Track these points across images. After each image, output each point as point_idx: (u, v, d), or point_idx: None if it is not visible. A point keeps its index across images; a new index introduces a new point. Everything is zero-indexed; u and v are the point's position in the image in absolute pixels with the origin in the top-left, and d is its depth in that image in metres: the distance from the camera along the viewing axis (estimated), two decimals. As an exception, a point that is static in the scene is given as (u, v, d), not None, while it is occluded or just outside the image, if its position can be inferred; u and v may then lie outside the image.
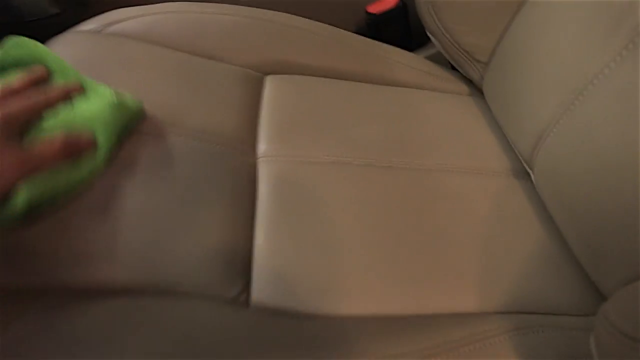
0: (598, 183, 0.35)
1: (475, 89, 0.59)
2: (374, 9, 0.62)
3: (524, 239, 0.40)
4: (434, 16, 0.54)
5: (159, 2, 0.56)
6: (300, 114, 0.49)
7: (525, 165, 0.47)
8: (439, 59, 0.62)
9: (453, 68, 0.61)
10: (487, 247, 0.39)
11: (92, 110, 0.30)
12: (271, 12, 0.58)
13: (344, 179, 0.42)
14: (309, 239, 0.36)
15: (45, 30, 0.57)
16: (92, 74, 0.43)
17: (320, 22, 0.60)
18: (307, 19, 0.59)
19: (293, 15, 0.59)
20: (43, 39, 0.49)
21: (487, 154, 0.49)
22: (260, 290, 0.33)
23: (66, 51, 0.47)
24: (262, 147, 0.45)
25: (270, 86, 0.53)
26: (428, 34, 0.58)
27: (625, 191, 0.32)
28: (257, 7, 0.58)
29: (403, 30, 0.63)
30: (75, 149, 0.27)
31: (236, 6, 0.58)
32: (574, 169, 0.38)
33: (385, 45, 0.61)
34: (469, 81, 0.60)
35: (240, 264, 0.34)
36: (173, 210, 0.34)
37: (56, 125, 0.27)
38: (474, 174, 0.46)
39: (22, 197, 0.25)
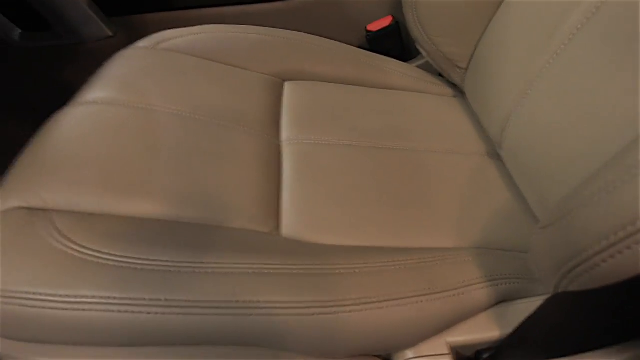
0: (544, 149, 0.46)
1: (459, 91, 0.71)
2: (373, 27, 0.75)
3: (492, 199, 0.51)
4: (421, 32, 0.66)
5: (197, 25, 0.69)
6: (315, 110, 0.61)
7: (496, 147, 0.58)
8: (427, 68, 0.74)
9: (440, 75, 0.73)
10: (462, 203, 0.49)
11: None
12: (288, 31, 0.71)
13: (352, 156, 0.53)
14: (324, 195, 0.47)
15: (101, 52, 0.70)
16: (150, 80, 0.56)
17: (330, 39, 0.72)
18: (318, 36, 0.72)
19: (307, 34, 0.71)
20: (100, 60, 0.61)
21: (466, 139, 0.61)
22: (288, 229, 0.44)
23: (127, 63, 0.59)
24: (284, 134, 0.56)
25: (289, 90, 0.65)
26: (418, 46, 0.70)
27: (562, 155, 0.43)
28: (276, 28, 0.71)
29: (397, 44, 0.76)
30: None
31: (259, 27, 0.71)
32: (529, 143, 0.49)
33: (382, 57, 0.73)
34: (453, 85, 0.72)
35: (271, 211, 0.45)
36: (217, 166, 0.46)
37: None
38: (454, 154, 0.57)
39: None
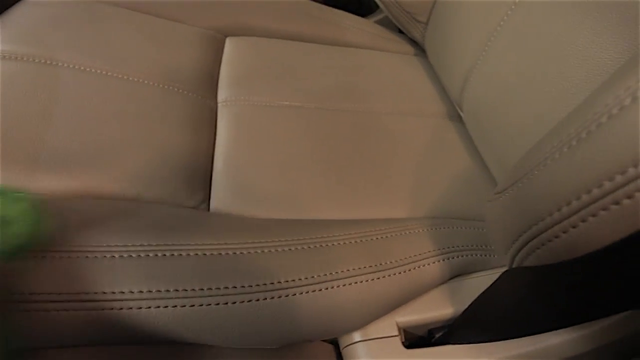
0: (505, 108, 0.41)
1: (420, 49, 0.66)
2: (327, -22, 0.68)
3: (452, 165, 0.47)
4: (378, -19, 0.60)
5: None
6: (258, 68, 0.54)
7: (457, 107, 0.53)
8: (387, 23, 0.67)
9: (400, 32, 0.67)
10: (420, 170, 0.45)
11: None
12: (231, -20, 0.63)
13: (296, 118, 0.48)
14: (263, 163, 0.42)
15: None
16: (58, 32, 0.47)
17: (278, -10, 0.65)
18: (264, -13, 0.64)
19: (251, -17, 0.63)
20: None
21: (426, 100, 0.56)
22: (219, 201, 0.38)
23: (32, 10, 0.50)
24: (221, 94, 0.50)
25: (230, 46, 0.58)
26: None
27: (524, 113, 0.39)
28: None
29: (354, -2, 0.69)
30: None
31: (198, -25, 0.62)
32: (489, 100, 0.44)
33: (338, 11, 0.66)
34: (413, 43, 0.66)
35: (200, 181, 0.39)
36: (140, 130, 0.39)
37: None
38: (413, 116, 0.52)
39: None
